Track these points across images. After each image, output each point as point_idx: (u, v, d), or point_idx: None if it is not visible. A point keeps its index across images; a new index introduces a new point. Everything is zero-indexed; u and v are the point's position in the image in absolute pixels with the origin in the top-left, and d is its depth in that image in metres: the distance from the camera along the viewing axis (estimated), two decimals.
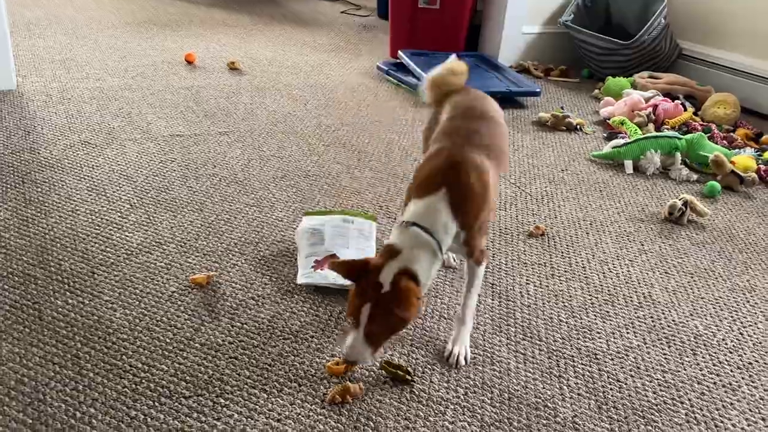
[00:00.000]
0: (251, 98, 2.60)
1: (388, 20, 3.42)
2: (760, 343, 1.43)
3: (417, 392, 1.20)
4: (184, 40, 3.36)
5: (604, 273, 1.64)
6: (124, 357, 1.21)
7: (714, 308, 1.54)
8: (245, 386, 1.17)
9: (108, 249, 1.53)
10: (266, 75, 2.92)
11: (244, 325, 1.33)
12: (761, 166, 2.31)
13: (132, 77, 2.71)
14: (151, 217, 1.68)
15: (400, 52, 3.10)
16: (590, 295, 1.54)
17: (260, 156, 2.10)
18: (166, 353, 1.23)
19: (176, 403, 1.12)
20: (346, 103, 2.67)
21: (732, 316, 1.51)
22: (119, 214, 1.68)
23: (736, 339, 1.44)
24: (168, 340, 1.26)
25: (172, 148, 2.09)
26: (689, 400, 1.25)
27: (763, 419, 1.22)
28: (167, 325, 1.31)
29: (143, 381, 1.16)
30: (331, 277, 1.44)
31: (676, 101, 2.75)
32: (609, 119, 2.67)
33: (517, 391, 1.23)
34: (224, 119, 2.37)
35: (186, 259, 1.53)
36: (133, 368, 1.19)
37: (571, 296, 1.53)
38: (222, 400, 1.14)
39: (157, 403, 1.12)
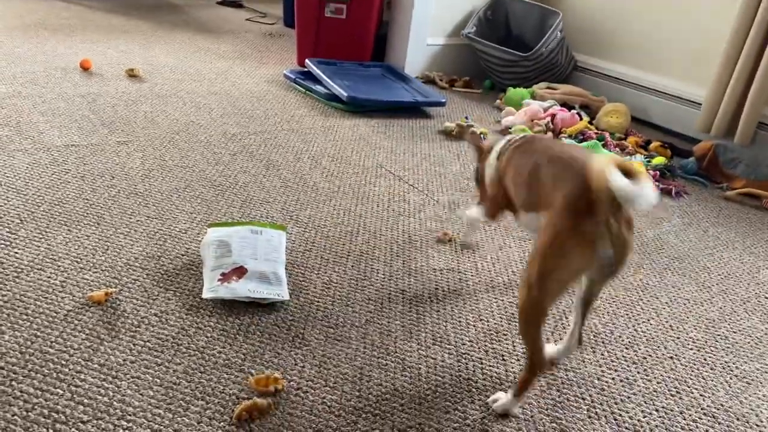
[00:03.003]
0: (152, 106, 2.51)
1: (294, 29, 3.40)
2: (652, 338, 1.52)
3: (329, 403, 1.19)
4: (78, 45, 3.20)
5: (508, 276, 1.69)
6: (13, 383, 1.13)
7: (611, 307, 1.62)
8: (149, 407, 1.12)
9: None
10: (168, 82, 2.83)
11: (147, 343, 1.27)
12: (650, 171, 2.46)
13: (21, 84, 2.55)
14: (44, 233, 1.58)
15: (307, 61, 3.08)
16: (496, 298, 1.58)
17: (162, 166, 2.02)
18: (62, 376, 1.16)
19: (73, 429, 1.05)
20: (253, 111, 2.63)
21: (627, 314, 1.60)
22: (8, 229, 1.57)
23: (632, 335, 1.52)
24: (63, 362, 1.19)
25: (67, 158, 1.98)
26: (590, 396, 1.30)
27: (657, 410, 1.29)
28: (62, 346, 1.23)
29: (36, 407, 1.09)
30: (239, 291, 1.41)
31: (572, 111, 2.89)
32: (510, 128, 2.77)
33: (428, 396, 1.24)
34: (123, 128, 2.27)
35: (83, 275, 1.45)
36: (24, 394, 1.11)
37: (477, 300, 1.57)
38: (124, 423, 1.08)
39: (51, 430, 1.05)
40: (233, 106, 2.66)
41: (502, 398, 1.22)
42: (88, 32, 3.49)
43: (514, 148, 1.41)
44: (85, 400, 1.11)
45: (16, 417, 1.06)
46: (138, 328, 1.31)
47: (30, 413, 1.07)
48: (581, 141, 2.62)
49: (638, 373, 1.39)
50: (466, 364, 1.34)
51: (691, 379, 1.40)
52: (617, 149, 2.65)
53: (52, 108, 2.35)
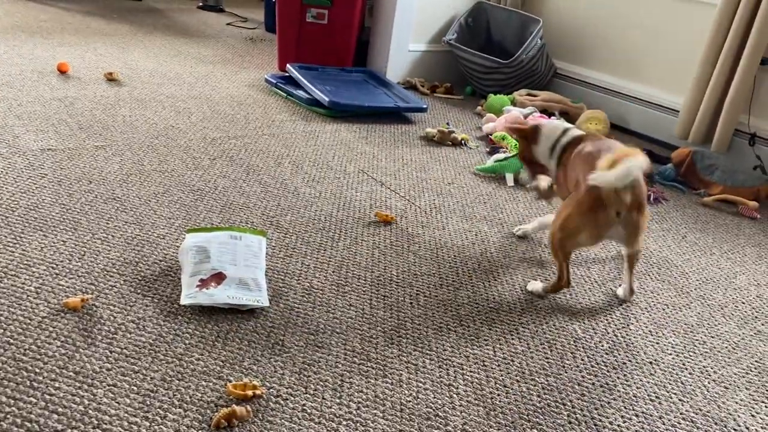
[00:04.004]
0: (131, 110, 2.48)
1: (276, 33, 3.39)
2: (632, 343, 1.53)
3: (309, 410, 1.18)
4: (56, 48, 3.16)
5: (489, 281, 1.69)
6: None
7: (591, 312, 1.63)
8: (125, 415, 1.10)
9: None
10: (147, 86, 2.80)
11: (124, 350, 1.25)
12: None
13: None
14: (18, 238, 1.56)
15: (288, 66, 3.07)
16: (477, 303, 1.58)
17: (140, 170, 2.00)
18: (36, 384, 1.14)
19: None
20: (234, 115, 2.61)
21: (607, 320, 1.61)
22: None
23: (611, 341, 1.52)
24: (38, 370, 1.17)
25: (43, 163, 1.95)
26: (570, 401, 1.30)
27: (636, 415, 1.29)
28: (37, 353, 1.21)
29: (8, 416, 1.06)
30: (217, 297, 1.39)
31: (552, 117, 2.91)
32: (491, 134, 2.78)
33: (409, 402, 1.23)
34: (101, 132, 2.24)
35: (58, 281, 1.42)
36: None
37: (459, 305, 1.56)
38: (99, 431, 1.06)
39: None
40: (213, 110, 2.64)
41: (537, 285, 1.68)
42: (67, 35, 3.45)
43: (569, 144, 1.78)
44: (60, 409, 1.09)
45: None
46: (115, 335, 1.29)
47: (3, 422, 1.05)
48: None
49: (618, 378, 1.40)
50: (447, 369, 1.34)
51: (670, 384, 1.41)
52: None
53: (28, 111, 2.32)
